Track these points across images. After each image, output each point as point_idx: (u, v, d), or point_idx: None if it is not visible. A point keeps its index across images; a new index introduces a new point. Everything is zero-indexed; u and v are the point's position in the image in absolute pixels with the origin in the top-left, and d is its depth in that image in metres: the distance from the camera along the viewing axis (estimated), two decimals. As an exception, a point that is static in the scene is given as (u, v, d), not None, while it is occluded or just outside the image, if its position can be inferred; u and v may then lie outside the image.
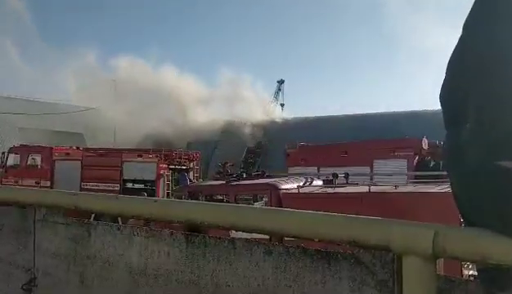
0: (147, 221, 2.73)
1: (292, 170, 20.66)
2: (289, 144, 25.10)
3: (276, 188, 11.08)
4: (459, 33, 1.51)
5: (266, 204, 11.40)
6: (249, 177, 14.75)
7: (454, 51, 1.54)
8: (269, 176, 14.14)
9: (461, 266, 7.70)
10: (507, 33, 1.33)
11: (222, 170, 25.87)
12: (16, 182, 22.99)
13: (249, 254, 1.99)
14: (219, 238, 2.10)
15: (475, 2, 1.44)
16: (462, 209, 1.50)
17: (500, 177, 1.31)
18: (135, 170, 22.17)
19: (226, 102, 50.65)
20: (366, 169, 18.96)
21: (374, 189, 10.55)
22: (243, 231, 1.93)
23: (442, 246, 1.34)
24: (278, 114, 51.44)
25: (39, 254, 2.78)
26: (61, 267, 2.66)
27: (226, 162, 27.32)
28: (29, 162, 23.81)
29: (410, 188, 11.32)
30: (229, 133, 44.77)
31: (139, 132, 39.13)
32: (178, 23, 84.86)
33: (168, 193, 21.89)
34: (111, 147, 30.16)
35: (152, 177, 21.97)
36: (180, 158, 24.36)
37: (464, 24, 1.47)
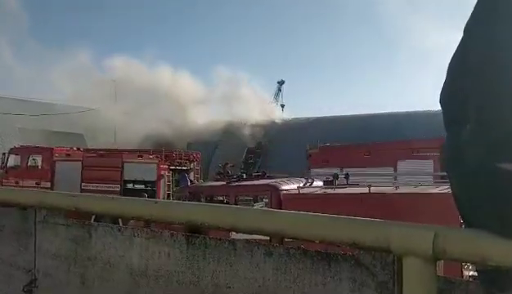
0: (148, 222, 2.73)
1: (314, 171, 20.38)
2: (310, 144, 24.68)
3: (276, 189, 11.08)
4: (457, 32, 1.51)
5: (266, 205, 11.41)
6: (250, 178, 14.75)
7: (455, 54, 1.54)
8: (270, 177, 14.14)
9: (462, 267, 7.70)
10: (508, 33, 1.34)
11: (222, 171, 25.87)
12: (17, 183, 23.01)
13: (250, 255, 2.00)
14: (219, 240, 2.11)
15: (476, 5, 1.45)
16: (462, 210, 1.50)
17: (500, 179, 1.31)
18: (135, 171, 22.18)
19: (224, 101, 50.64)
20: (390, 170, 18.76)
21: (374, 189, 10.55)
22: (243, 232, 1.93)
23: (442, 247, 1.34)
24: (278, 115, 51.42)
25: (40, 255, 2.78)
26: (62, 268, 2.66)
27: (227, 163, 27.32)
28: (29, 163, 23.82)
29: (410, 189, 11.32)
30: (229, 134, 44.76)
31: (139, 133, 39.10)
32: (177, 23, 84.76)
33: (168, 193, 21.92)
34: (111, 148, 30.15)
35: (153, 178, 21.98)
36: (180, 158, 24.40)
37: (466, 27, 1.48)
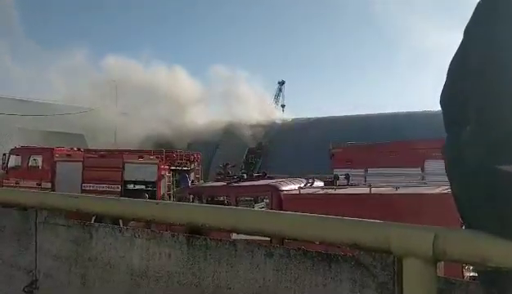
0: (148, 223, 2.73)
1: (338, 172, 20.02)
2: (333, 144, 24.20)
3: (277, 189, 11.08)
4: (457, 32, 1.52)
5: (267, 205, 11.41)
6: (250, 178, 14.75)
7: (455, 55, 1.55)
8: (270, 177, 14.14)
9: (462, 267, 7.69)
10: (508, 34, 1.34)
11: (222, 171, 25.85)
12: (17, 183, 23.02)
13: (250, 256, 2.00)
14: (220, 240, 2.11)
15: (477, 7, 1.45)
16: (462, 210, 1.50)
17: (500, 180, 1.31)
18: (136, 171, 22.17)
19: (223, 100, 50.63)
20: (417, 170, 18.36)
21: (374, 190, 10.55)
22: (244, 233, 1.93)
23: (443, 248, 1.34)
24: (279, 115, 51.40)
25: (41, 256, 2.78)
26: (63, 269, 2.67)
27: (227, 164, 27.30)
28: (30, 164, 23.82)
29: (410, 189, 11.31)
30: (230, 134, 44.74)
31: (139, 133, 39.08)
32: (177, 23, 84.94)
33: (169, 194, 21.92)
34: (112, 148, 30.14)
35: (153, 178, 21.97)
36: (181, 159, 24.39)
37: (466, 29, 1.48)
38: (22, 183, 22.93)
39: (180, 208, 2.29)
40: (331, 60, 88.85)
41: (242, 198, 12.23)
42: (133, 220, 2.44)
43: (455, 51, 1.55)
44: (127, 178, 22.20)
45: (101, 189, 21.82)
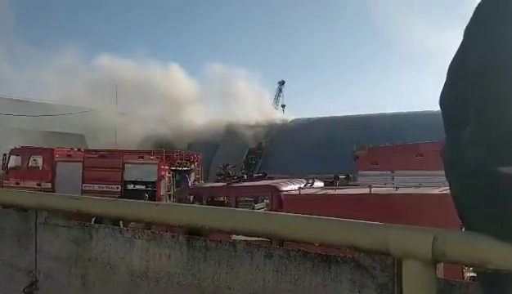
0: (148, 224, 2.74)
1: (362, 173, 19.38)
2: (358, 146, 23.48)
3: (277, 190, 11.08)
4: (455, 32, 1.52)
5: (267, 206, 11.41)
6: (251, 179, 14.76)
7: (454, 57, 1.54)
8: (270, 178, 14.14)
9: (462, 268, 7.70)
10: (508, 34, 1.34)
11: (223, 171, 25.86)
12: (17, 183, 23.00)
13: (250, 257, 2.00)
14: (220, 242, 2.11)
15: (477, 8, 1.45)
16: (461, 211, 1.50)
17: (500, 182, 1.31)
18: (136, 171, 22.16)
19: (222, 98, 50.57)
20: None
21: (374, 190, 10.55)
22: (244, 235, 1.93)
23: (442, 250, 1.34)
24: (279, 115, 51.39)
25: (41, 257, 2.78)
26: (63, 270, 2.67)
27: (227, 164, 27.32)
28: (30, 164, 23.80)
29: (410, 190, 11.31)
30: (230, 134, 44.73)
31: (139, 133, 39.07)
32: (176, 23, 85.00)
33: (169, 194, 21.91)
34: (112, 148, 30.13)
35: (153, 179, 21.95)
36: (181, 159, 24.37)
37: (465, 30, 1.48)
38: (22, 183, 22.92)
39: (179, 210, 2.29)
40: (331, 60, 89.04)
41: (242, 199, 12.23)
42: (133, 221, 2.44)
43: (454, 50, 1.55)
44: (127, 178, 22.19)
45: (101, 189, 21.81)
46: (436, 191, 9.81)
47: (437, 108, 1.64)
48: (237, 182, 13.32)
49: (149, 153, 24.60)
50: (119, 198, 21.00)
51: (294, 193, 11.05)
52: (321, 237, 1.61)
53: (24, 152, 24.32)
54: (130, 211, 2.37)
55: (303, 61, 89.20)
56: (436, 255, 1.34)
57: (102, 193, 21.23)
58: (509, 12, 1.37)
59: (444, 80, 1.60)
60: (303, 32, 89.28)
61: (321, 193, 11.46)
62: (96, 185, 22.09)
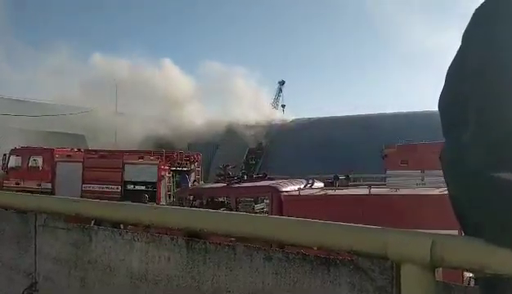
0: (148, 226, 2.73)
1: (391, 173, 18.79)
2: (387, 145, 22.77)
3: (277, 190, 11.09)
4: (455, 32, 1.52)
5: (267, 206, 11.42)
6: (250, 179, 14.76)
7: (454, 58, 1.54)
8: (270, 178, 14.15)
9: (462, 270, 7.69)
10: (507, 34, 1.34)
11: (223, 172, 25.86)
12: (18, 183, 23.04)
13: (249, 260, 2.00)
14: (219, 244, 2.12)
15: (476, 10, 1.45)
16: (460, 213, 1.50)
17: (500, 187, 1.30)
18: (136, 172, 22.19)
19: (222, 99, 50.45)
20: None
21: (374, 191, 10.56)
22: (244, 239, 1.94)
23: (440, 255, 1.34)
24: (279, 115, 51.38)
25: (40, 259, 2.78)
26: (62, 272, 2.67)
27: (227, 165, 27.31)
28: (30, 164, 23.85)
29: (410, 190, 11.32)
30: (230, 134, 44.72)
31: (139, 134, 39.05)
32: (175, 22, 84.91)
33: (169, 194, 21.92)
34: (112, 148, 30.13)
35: (153, 179, 21.98)
36: (181, 159, 24.39)
37: (465, 31, 1.48)
38: (22, 183, 22.95)
39: (178, 213, 2.29)
40: (331, 60, 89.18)
41: (242, 199, 12.23)
42: (132, 224, 2.44)
43: (454, 50, 1.55)
44: (127, 179, 22.23)
45: (101, 189, 21.84)
46: (436, 192, 9.81)
47: (437, 107, 1.64)
48: (237, 183, 13.32)
49: (149, 153, 24.64)
50: (120, 198, 21.08)
51: (293, 193, 11.06)
52: (319, 241, 1.62)
53: (24, 152, 24.37)
54: (129, 214, 2.37)
55: (304, 61, 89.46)
56: (434, 260, 1.34)
57: (102, 193, 21.28)
58: (509, 13, 1.37)
59: (443, 81, 1.60)
60: (303, 31, 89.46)
61: (320, 193, 11.47)
62: (96, 186, 22.13)
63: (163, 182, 22.16)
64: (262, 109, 49.24)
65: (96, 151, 25.90)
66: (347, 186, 13.08)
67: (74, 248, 2.63)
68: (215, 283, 2.10)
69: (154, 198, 21.02)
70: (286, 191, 11.10)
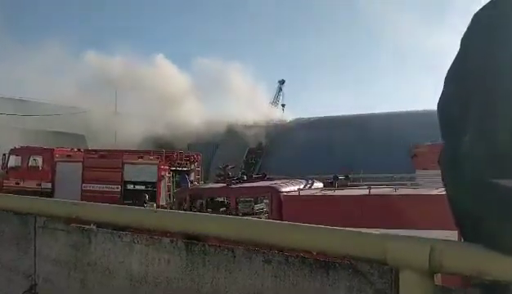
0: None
1: (420, 174, 18.51)
2: (414, 143, 22.21)
3: (276, 190, 11.09)
4: (455, 32, 1.52)
5: (267, 206, 11.42)
6: (250, 179, 14.76)
7: (453, 63, 1.54)
8: (270, 179, 14.15)
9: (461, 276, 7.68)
10: (506, 38, 1.34)
11: (222, 172, 25.86)
12: (17, 183, 23.03)
13: (249, 262, 2.01)
14: (219, 246, 2.12)
15: (476, 13, 1.45)
16: (458, 219, 1.50)
17: (500, 194, 1.30)
18: (136, 171, 22.18)
19: (222, 99, 50.25)
20: None
21: (374, 191, 10.55)
22: (244, 243, 1.94)
23: (439, 261, 1.34)
24: (279, 115, 51.32)
25: (40, 260, 2.79)
26: (62, 274, 2.67)
27: (227, 165, 27.31)
28: (30, 164, 23.83)
29: (409, 190, 11.31)
30: (230, 134, 44.67)
31: (139, 134, 38.99)
32: (177, 22, 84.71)
33: (169, 194, 21.92)
34: (112, 148, 30.12)
35: (153, 179, 21.98)
36: (181, 159, 24.39)
37: (463, 38, 1.48)
38: (22, 183, 22.94)
39: (177, 217, 2.29)
40: (331, 60, 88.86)
41: (242, 199, 12.24)
42: (132, 228, 2.44)
43: (454, 50, 1.55)
44: (127, 178, 22.21)
45: (101, 189, 21.84)
46: (435, 192, 9.81)
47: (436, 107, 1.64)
48: (237, 183, 13.32)
49: (148, 153, 24.63)
50: (120, 198, 21.09)
51: (293, 194, 11.06)
52: (318, 246, 1.62)
53: (24, 152, 24.35)
54: (129, 218, 2.37)
55: (303, 61, 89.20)
56: (433, 266, 1.34)
57: (102, 193, 21.28)
58: (507, 18, 1.37)
59: (443, 83, 1.60)
60: (303, 31, 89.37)
61: (320, 194, 11.47)
62: (96, 185, 22.12)
63: (163, 182, 22.16)
64: (260, 108, 49.00)
65: (95, 151, 25.90)
66: (346, 186, 13.09)
67: (74, 250, 2.63)
68: (214, 286, 2.10)
69: (154, 197, 21.03)
70: (286, 191, 11.10)
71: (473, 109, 1.38)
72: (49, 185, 22.74)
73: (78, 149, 26.24)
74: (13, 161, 24.25)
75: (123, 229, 2.46)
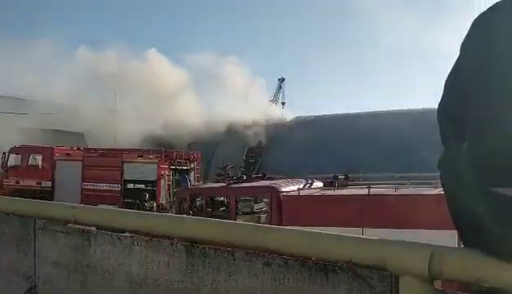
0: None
1: None
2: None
3: (276, 190, 11.09)
4: (455, 32, 1.52)
5: (266, 205, 11.42)
6: (250, 179, 14.76)
7: (452, 69, 1.54)
8: (269, 178, 14.16)
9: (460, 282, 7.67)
10: (505, 45, 1.34)
11: (222, 172, 25.88)
12: (17, 182, 23.04)
13: (249, 265, 2.01)
14: (219, 249, 2.12)
15: (475, 19, 1.45)
16: (458, 222, 1.50)
17: (498, 203, 1.30)
18: (136, 170, 22.20)
19: (222, 98, 50.11)
20: None
21: (374, 191, 10.55)
22: (244, 249, 1.94)
23: (439, 267, 1.34)
24: (279, 113, 51.29)
25: (40, 262, 2.79)
26: (62, 275, 2.67)
27: (227, 165, 27.33)
28: (30, 163, 23.83)
29: (409, 190, 11.31)
30: (230, 133, 44.64)
31: (139, 133, 38.95)
32: (172, 15, 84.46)
33: (169, 193, 21.94)
34: (112, 147, 30.10)
35: (153, 178, 22.00)
36: (180, 158, 24.41)
37: (462, 44, 1.48)
38: (22, 182, 22.95)
39: (177, 222, 2.29)
40: (331, 59, 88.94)
41: (241, 199, 12.24)
42: (131, 231, 2.44)
43: (454, 50, 1.55)
44: (126, 177, 22.23)
45: (101, 188, 21.85)
46: (434, 192, 9.81)
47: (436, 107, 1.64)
48: (236, 182, 13.32)
49: (148, 152, 24.65)
50: (120, 196, 21.10)
51: (293, 193, 11.06)
52: (317, 252, 1.62)
53: (24, 151, 24.35)
54: (128, 221, 2.37)
55: (304, 61, 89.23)
56: (433, 273, 1.34)
57: (102, 192, 21.30)
58: (506, 25, 1.37)
59: (443, 83, 1.60)
60: (303, 31, 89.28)
61: (319, 193, 11.48)
62: (96, 184, 22.14)
63: (162, 181, 22.18)
64: (259, 106, 48.81)
65: (95, 150, 25.91)
66: (346, 186, 13.08)
67: (74, 252, 2.63)
68: (214, 288, 2.10)
69: (154, 196, 21.06)
70: (285, 191, 11.11)
71: (472, 115, 1.38)
72: (49, 184, 22.76)
73: (78, 148, 26.24)
74: (13, 160, 24.25)
75: (122, 232, 2.46)
